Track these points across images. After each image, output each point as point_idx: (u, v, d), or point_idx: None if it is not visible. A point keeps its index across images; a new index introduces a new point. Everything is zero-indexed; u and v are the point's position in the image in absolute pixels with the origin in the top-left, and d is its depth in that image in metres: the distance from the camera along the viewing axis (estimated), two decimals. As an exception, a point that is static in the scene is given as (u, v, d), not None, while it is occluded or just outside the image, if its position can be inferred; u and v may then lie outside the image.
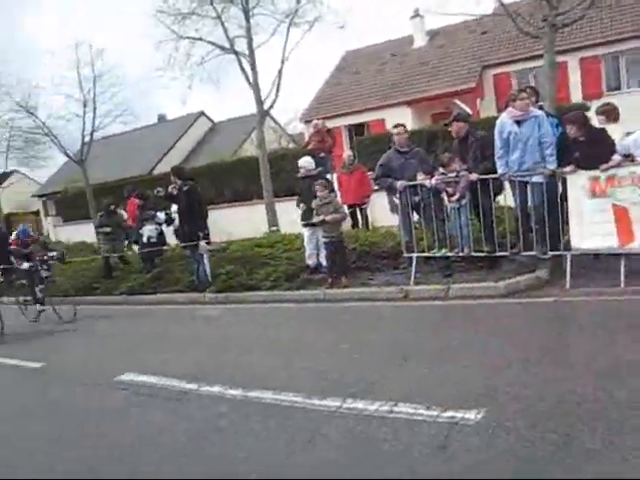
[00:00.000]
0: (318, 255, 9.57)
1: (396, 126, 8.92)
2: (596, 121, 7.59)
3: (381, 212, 11.89)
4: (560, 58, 14.59)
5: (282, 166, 18.54)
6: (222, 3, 17.27)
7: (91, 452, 4.21)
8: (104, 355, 7.25)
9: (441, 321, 6.83)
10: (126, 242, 14.02)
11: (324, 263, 9.27)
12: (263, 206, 17.40)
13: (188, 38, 17.75)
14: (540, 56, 13.53)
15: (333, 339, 6.30)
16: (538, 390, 4.09)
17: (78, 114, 24.12)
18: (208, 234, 10.51)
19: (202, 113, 36.23)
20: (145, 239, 11.92)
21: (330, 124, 15.90)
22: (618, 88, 21.51)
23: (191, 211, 10.26)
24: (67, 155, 25.36)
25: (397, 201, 8.69)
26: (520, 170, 7.47)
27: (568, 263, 7.14)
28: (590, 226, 6.93)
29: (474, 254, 7.94)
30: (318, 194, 8.96)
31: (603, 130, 7.22)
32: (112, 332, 8.92)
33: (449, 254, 8.10)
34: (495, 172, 7.65)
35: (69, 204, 28.68)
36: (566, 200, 7.19)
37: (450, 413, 3.88)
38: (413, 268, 8.20)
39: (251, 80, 17.20)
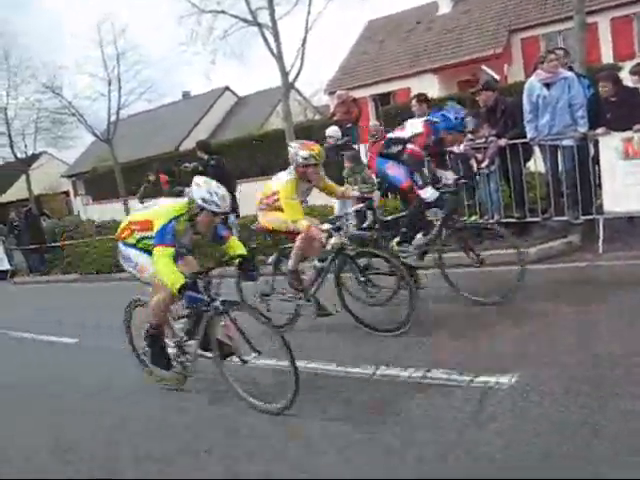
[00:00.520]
0: (349, 225, 9.56)
1: (413, 98, 9.05)
2: (629, 81, 7.42)
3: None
4: (590, 19, 14.12)
5: (308, 138, 18.35)
6: (244, -26, 17.05)
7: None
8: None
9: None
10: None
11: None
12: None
13: (210, 12, 17.73)
14: (569, 18, 13.18)
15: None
16: (572, 354, 4.10)
17: (103, 93, 24.45)
18: (237, 208, 10.56)
19: (227, 88, 36.04)
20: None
21: (356, 94, 15.71)
22: (652, 47, 20.77)
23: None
24: (94, 134, 25.54)
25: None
26: (550, 134, 7.36)
27: (601, 227, 7.07)
28: (623, 188, 6.82)
29: (504, 220, 7.86)
30: (346, 165, 8.97)
31: (636, 90, 7.06)
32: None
33: (479, 221, 8.05)
34: (525, 137, 7.55)
35: (98, 183, 29.17)
36: (598, 163, 7.09)
37: (484, 378, 3.90)
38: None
39: (275, 52, 17.03)
